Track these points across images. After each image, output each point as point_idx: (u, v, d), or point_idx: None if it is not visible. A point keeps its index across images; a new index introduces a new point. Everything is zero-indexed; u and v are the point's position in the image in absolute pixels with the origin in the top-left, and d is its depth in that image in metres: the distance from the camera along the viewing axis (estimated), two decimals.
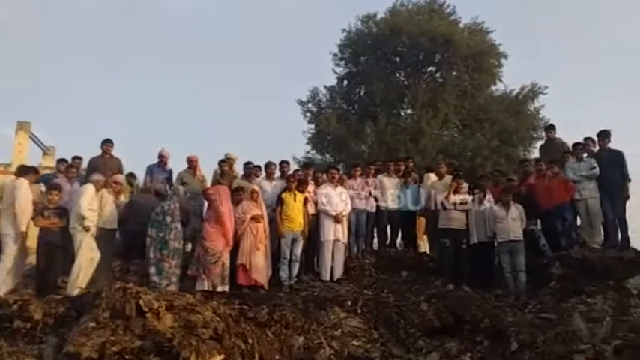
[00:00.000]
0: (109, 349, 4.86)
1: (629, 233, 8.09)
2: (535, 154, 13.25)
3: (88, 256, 7.15)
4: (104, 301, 5.35)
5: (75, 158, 9.00)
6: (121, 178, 8.30)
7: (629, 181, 8.25)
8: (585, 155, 8.51)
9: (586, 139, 8.81)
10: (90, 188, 7.49)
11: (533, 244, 7.80)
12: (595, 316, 5.98)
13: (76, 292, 6.73)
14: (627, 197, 8.21)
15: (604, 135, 8.49)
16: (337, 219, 8.28)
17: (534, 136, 16.18)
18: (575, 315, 6.01)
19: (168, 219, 7.39)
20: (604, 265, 7.05)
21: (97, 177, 7.78)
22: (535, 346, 5.56)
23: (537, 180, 8.55)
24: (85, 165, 9.15)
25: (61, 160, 9.16)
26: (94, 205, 7.41)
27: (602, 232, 8.25)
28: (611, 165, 8.18)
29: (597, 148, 8.65)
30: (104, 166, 8.76)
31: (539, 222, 8.18)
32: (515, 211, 7.67)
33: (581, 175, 8.21)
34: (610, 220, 8.12)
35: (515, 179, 9.09)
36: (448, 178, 8.76)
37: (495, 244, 7.81)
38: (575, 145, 8.74)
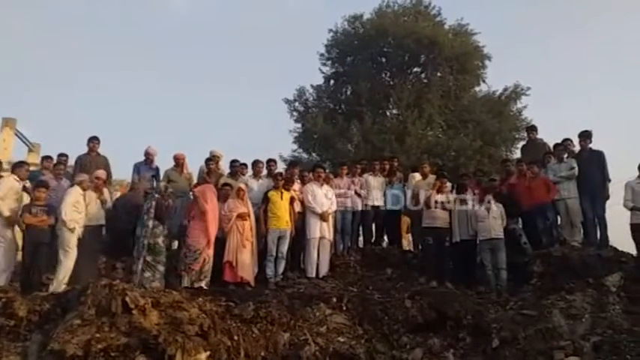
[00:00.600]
0: (94, 347, 4.83)
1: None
2: (517, 154, 13.39)
3: (74, 257, 7.10)
4: (90, 298, 5.31)
5: (60, 155, 8.91)
6: (102, 173, 8.25)
7: (609, 181, 8.38)
8: (566, 156, 8.64)
9: (565, 140, 8.95)
10: (73, 191, 7.42)
11: (514, 242, 7.87)
12: (574, 313, 6.07)
13: (61, 289, 6.68)
14: (607, 197, 8.33)
15: (585, 135, 8.62)
16: (323, 217, 8.32)
17: (516, 136, 16.41)
18: (555, 312, 6.08)
19: (145, 217, 7.39)
20: (583, 263, 7.16)
21: (81, 177, 7.72)
22: (516, 342, 5.66)
23: (518, 180, 8.64)
24: (71, 162, 9.08)
25: (46, 157, 9.08)
26: (79, 206, 7.34)
27: (582, 231, 8.39)
28: (592, 165, 8.33)
29: (579, 148, 8.78)
30: (90, 164, 8.74)
31: (520, 221, 8.27)
32: (497, 209, 7.75)
33: (561, 176, 8.36)
34: (590, 219, 8.27)
35: (497, 179, 9.17)
36: (432, 178, 8.84)
37: (477, 242, 7.89)
38: (556, 145, 8.89)
